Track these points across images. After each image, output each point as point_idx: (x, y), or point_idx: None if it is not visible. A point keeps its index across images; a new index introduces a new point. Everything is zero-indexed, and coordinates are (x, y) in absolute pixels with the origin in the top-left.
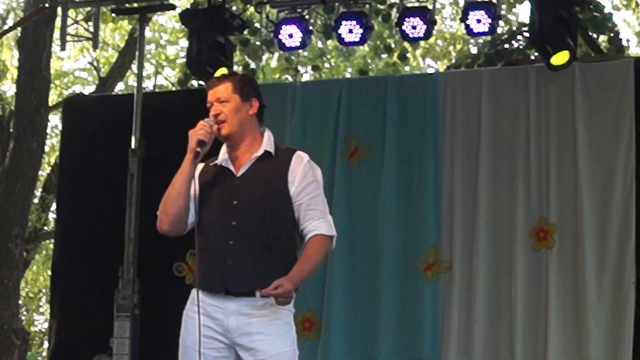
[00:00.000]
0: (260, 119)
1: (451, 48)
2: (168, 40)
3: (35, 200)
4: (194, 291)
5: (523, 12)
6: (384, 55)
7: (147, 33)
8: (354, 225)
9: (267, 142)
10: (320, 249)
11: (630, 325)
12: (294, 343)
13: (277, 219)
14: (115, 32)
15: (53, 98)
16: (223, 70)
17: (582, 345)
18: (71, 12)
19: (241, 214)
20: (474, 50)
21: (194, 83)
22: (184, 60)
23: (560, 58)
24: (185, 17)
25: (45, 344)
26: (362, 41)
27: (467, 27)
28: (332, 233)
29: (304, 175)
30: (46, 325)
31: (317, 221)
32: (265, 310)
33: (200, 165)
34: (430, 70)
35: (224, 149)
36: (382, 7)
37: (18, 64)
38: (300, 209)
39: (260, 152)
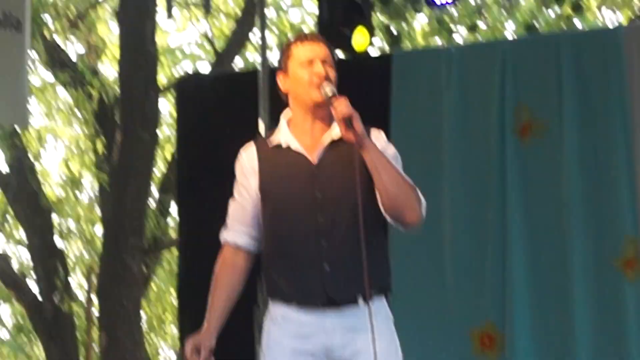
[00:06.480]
0: None
1: None
2: (291, 3)
3: (152, 203)
4: (275, 308)
5: None
6: (553, 7)
7: None
8: (532, 215)
9: None
10: (411, 187)
11: None
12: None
13: (368, 208)
14: None
15: (162, 80)
16: (362, 32)
17: None
18: None
19: (328, 207)
20: None
21: None
22: (311, 27)
23: None
24: None
25: None
26: None
27: None
28: (423, 200)
29: (386, 147)
30: (174, 356)
31: None
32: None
33: (250, 150)
34: (611, 24)
35: (283, 126)
36: None
37: (119, 40)
38: None
39: (336, 132)
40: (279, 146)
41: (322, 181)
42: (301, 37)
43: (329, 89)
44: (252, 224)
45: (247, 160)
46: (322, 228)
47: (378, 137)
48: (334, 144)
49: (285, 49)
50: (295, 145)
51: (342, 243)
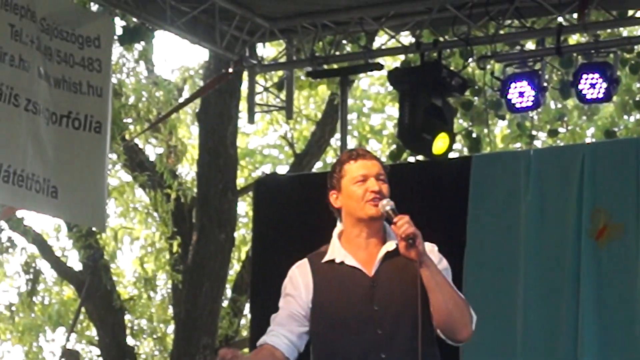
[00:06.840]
0: None
1: None
2: (372, 107)
3: (225, 303)
4: None
5: None
6: (634, 113)
7: (348, 100)
8: (605, 318)
9: (392, 234)
10: (465, 304)
11: None
12: None
13: (426, 320)
14: (309, 100)
15: (239, 181)
16: (443, 137)
17: None
18: (259, 79)
19: (386, 320)
20: None
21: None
22: (392, 130)
23: None
24: (395, 77)
25: None
26: (607, 97)
27: None
28: (474, 316)
29: (438, 262)
30: None
31: None
32: None
33: (303, 265)
34: None
35: (335, 242)
36: (629, 55)
37: (199, 142)
38: None
39: (392, 245)
40: (332, 261)
41: (379, 294)
42: (353, 155)
43: (389, 207)
44: (293, 331)
45: (300, 275)
46: (381, 340)
47: (432, 251)
48: (388, 255)
49: (337, 167)
50: (351, 261)
51: (401, 354)
